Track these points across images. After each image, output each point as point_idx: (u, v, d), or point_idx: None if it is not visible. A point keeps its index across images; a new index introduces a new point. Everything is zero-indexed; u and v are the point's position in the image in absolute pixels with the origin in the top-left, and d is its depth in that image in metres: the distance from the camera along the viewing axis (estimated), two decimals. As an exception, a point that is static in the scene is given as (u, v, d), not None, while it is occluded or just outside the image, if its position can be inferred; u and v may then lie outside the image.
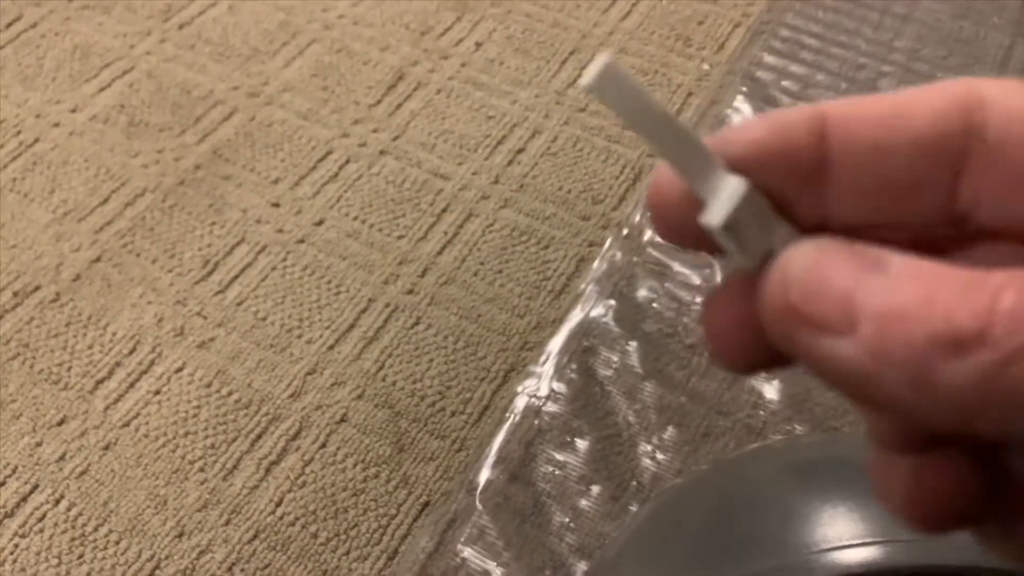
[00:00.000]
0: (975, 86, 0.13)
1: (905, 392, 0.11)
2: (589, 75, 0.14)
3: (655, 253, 0.67)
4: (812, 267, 0.12)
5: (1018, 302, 0.10)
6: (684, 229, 0.15)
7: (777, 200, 0.14)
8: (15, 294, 0.75)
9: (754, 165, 0.14)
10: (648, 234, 0.68)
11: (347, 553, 0.60)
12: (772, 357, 0.14)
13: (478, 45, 0.94)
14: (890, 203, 0.14)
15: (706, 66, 0.91)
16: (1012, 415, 0.10)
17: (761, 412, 0.58)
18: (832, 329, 0.11)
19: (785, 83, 0.81)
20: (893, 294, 0.11)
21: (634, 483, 0.56)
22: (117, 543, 0.62)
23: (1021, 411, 0.10)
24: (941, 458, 0.14)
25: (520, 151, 0.84)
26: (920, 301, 0.11)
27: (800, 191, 0.14)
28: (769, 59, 0.83)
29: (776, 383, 0.59)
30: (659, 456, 0.57)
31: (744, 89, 0.81)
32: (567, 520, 0.56)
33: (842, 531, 0.27)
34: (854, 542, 0.26)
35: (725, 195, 0.13)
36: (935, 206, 0.13)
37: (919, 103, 0.13)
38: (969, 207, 0.13)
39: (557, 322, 0.68)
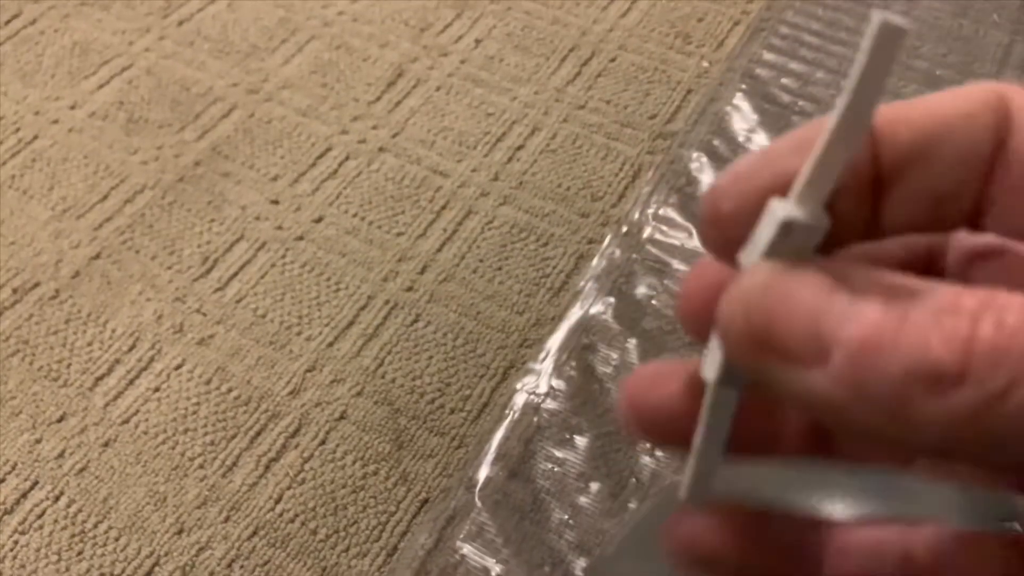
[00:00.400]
0: (1005, 94, 0.13)
1: (883, 425, 0.10)
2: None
3: (654, 250, 0.67)
4: (773, 286, 0.11)
5: (998, 334, 0.09)
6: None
7: (838, 213, 0.13)
8: (14, 291, 0.75)
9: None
10: (647, 231, 0.68)
11: (346, 550, 0.60)
12: None
13: (478, 42, 0.94)
14: (928, 211, 0.13)
15: (705, 63, 0.91)
16: (997, 452, 0.10)
17: (760, 409, 0.58)
18: (801, 360, 0.10)
19: (785, 81, 0.81)
20: (864, 318, 0.10)
21: (633, 480, 0.56)
22: (117, 540, 0.62)
23: (1006, 448, 0.10)
24: None
25: (519, 148, 0.84)
26: (893, 326, 0.10)
27: (858, 201, 0.13)
28: (769, 56, 0.83)
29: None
30: (658, 453, 0.57)
31: (743, 87, 0.81)
32: (566, 517, 0.56)
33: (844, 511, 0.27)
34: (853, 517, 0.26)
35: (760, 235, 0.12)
36: (964, 212, 0.13)
37: (958, 113, 0.13)
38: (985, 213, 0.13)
39: (556, 319, 0.68)
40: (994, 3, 0.82)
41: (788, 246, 0.12)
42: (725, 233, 0.13)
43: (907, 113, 0.13)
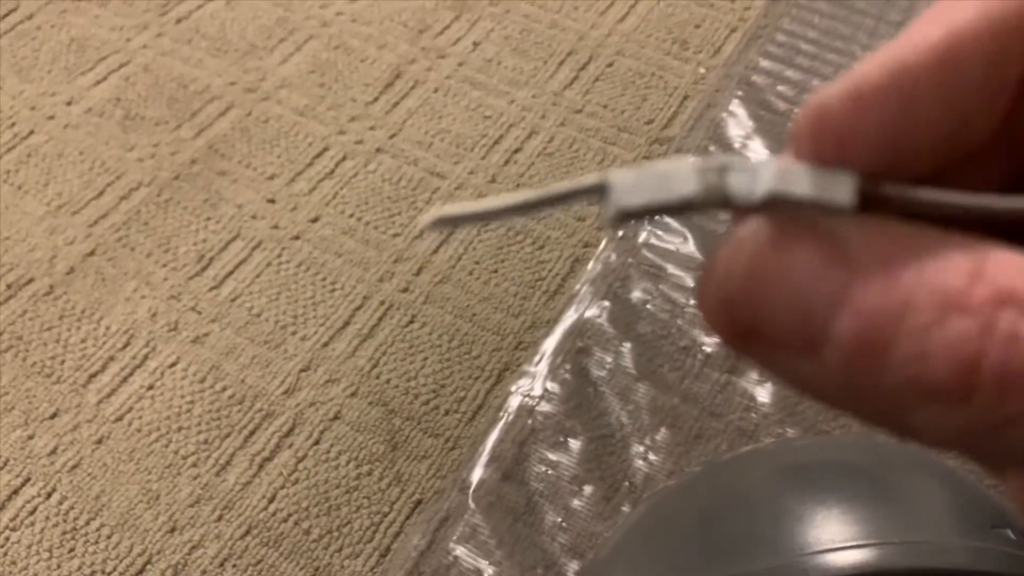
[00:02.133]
0: None
1: (881, 423, 0.09)
2: (424, 223, 0.11)
3: (650, 255, 0.67)
4: (756, 269, 0.10)
5: (1010, 352, 0.08)
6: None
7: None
8: (8, 286, 0.75)
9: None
10: (643, 236, 0.69)
11: (339, 550, 0.60)
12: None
13: (476, 45, 0.94)
14: None
15: (702, 70, 0.91)
16: (998, 463, 0.09)
17: (753, 415, 0.58)
18: (789, 347, 0.09)
19: (781, 88, 0.82)
20: (860, 309, 0.09)
21: (626, 484, 0.56)
22: (109, 537, 0.62)
23: (1008, 464, 0.09)
24: None
25: (517, 151, 0.85)
26: (891, 322, 0.09)
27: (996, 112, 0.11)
28: (765, 64, 0.84)
29: (768, 386, 0.60)
30: (651, 457, 0.58)
31: (740, 93, 0.81)
32: (559, 520, 0.57)
33: (835, 533, 0.27)
34: (847, 544, 0.26)
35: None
36: None
37: None
38: None
39: (551, 322, 0.68)
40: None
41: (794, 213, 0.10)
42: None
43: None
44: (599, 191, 0.10)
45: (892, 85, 0.10)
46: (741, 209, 0.10)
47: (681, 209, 0.10)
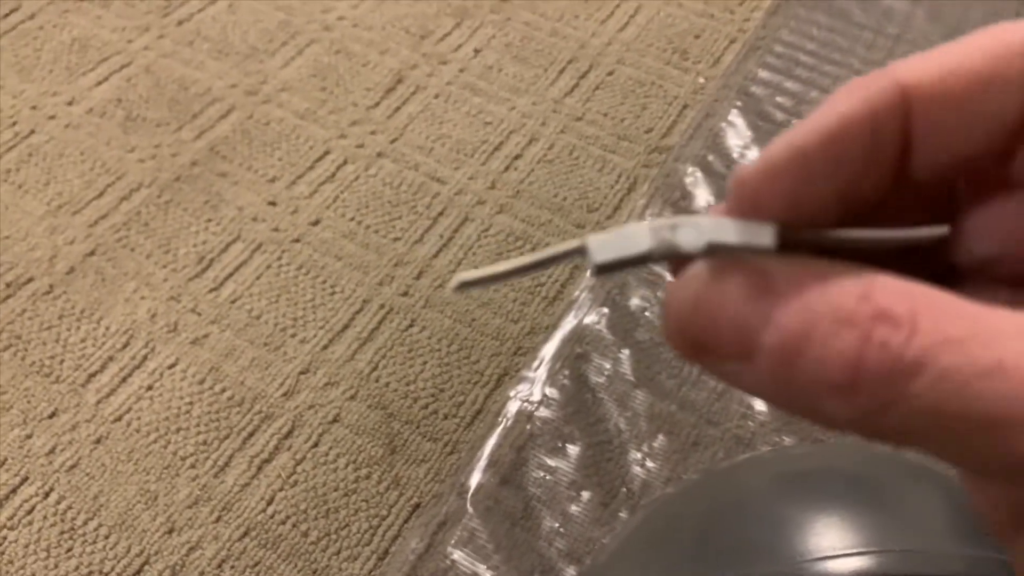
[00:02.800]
0: None
1: (802, 413, 0.12)
2: (451, 286, 0.14)
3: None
4: (701, 299, 0.12)
5: (881, 356, 0.11)
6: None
7: (858, 173, 0.13)
8: (8, 285, 0.75)
9: (841, 140, 0.13)
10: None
11: (337, 553, 0.60)
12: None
13: (477, 51, 0.95)
14: (957, 165, 0.14)
15: (701, 80, 0.92)
16: (889, 443, 0.11)
17: (750, 423, 0.59)
18: (731, 358, 0.12)
19: (779, 99, 0.82)
20: (779, 326, 0.11)
21: (624, 490, 0.57)
22: (106, 537, 0.62)
23: (908, 444, 0.11)
24: None
25: (517, 157, 0.85)
26: (802, 337, 0.11)
27: (887, 162, 0.13)
28: (764, 75, 0.85)
29: (765, 394, 0.60)
30: (649, 464, 0.58)
31: (739, 103, 0.82)
32: (557, 525, 0.57)
33: (834, 540, 0.27)
34: (846, 551, 0.27)
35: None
36: (992, 159, 0.14)
37: (996, 75, 0.13)
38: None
39: (550, 328, 0.69)
40: (986, 26, 0.83)
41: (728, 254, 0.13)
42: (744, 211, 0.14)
43: (934, 74, 0.13)
44: (581, 251, 0.13)
45: (790, 162, 0.13)
46: (689, 256, 0.13)
47: (643, 261, 0.13)
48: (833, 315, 0.11)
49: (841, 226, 0.13)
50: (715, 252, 0.13)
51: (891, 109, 0.13)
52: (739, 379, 0.12)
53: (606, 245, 0.13)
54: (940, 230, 0.14)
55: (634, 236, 0.13)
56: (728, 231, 0.13)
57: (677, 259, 0.13)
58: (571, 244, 0.14)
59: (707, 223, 0.13)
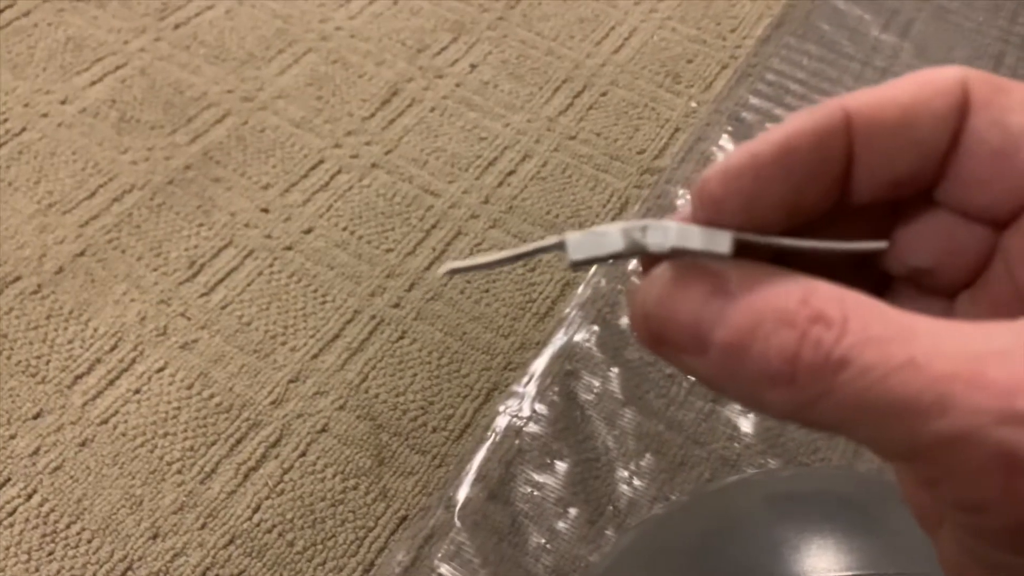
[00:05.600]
0: (966, 80, 0.15)
1: (746, 402, 0.13)
2: (440, 272, 0.16)
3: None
4: (664, 297, 0.14)
5: (815, 354, 0.12)
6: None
7: (810, 186, 0.15)
8: (-5, 284, 0.75)
9: (787, 156, 0.15)
10: (632, 263, 0.70)
11: (323, 563, 0.60)
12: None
13: (473, 67, 0.96)
14: (891, 189, 0.16)
15: (693, 104, 0.94)
16: (822, 430, 0.13)
17: (736, 444, 0.60)
18: (687, 351, 0.13)
19: (769, 126, 0.84)
20: (730, 324, 0.13)
21: (611, 508, 0.57)
22: (89, 542, 0.61)
23: (837, 431, 0.13)
24: None
25: (510, 173, 0.86)
26: (748, 333, 0.13)
27: (829, 184, 0.15)
28: (755, 101, 0.86)
29: (751, 417, 0.61)
30: (636, 482, 0.59)
31: (730, 128, 0.83)
32: (544, 541, 0.58)
33: (828, 563, 0.28)
34: (840, 573, 0.28)
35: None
36: (923, 186, 0.16)
37: (921, 104, 0.15)
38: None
39: (541, 344, 0.69)
40: (971, 66, 0.85)
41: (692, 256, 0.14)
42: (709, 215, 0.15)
43: (872, 103, 0.15)
44: (560, 247, 0.15)
45: (747, 168, 0.14)
46: (655, 256, 0.14)
47: (614, 258, 0.15)
48: (776, 316, 0.13)
49: (790, 235, 0.15)
50: (678, 255, 0.14)
51: (835, 129, 0.14)
52: (694, 370, 0.14)
53: (582, 243, 0.15)
54: (879, 244, 0.16)
55: (608, 236, 0.14)
56: (692, 236, 0.14)
57: (645, 256, 0.15)
58: (551, 240, 0.15)
59: (674, 228, 0.14)
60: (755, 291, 0.13)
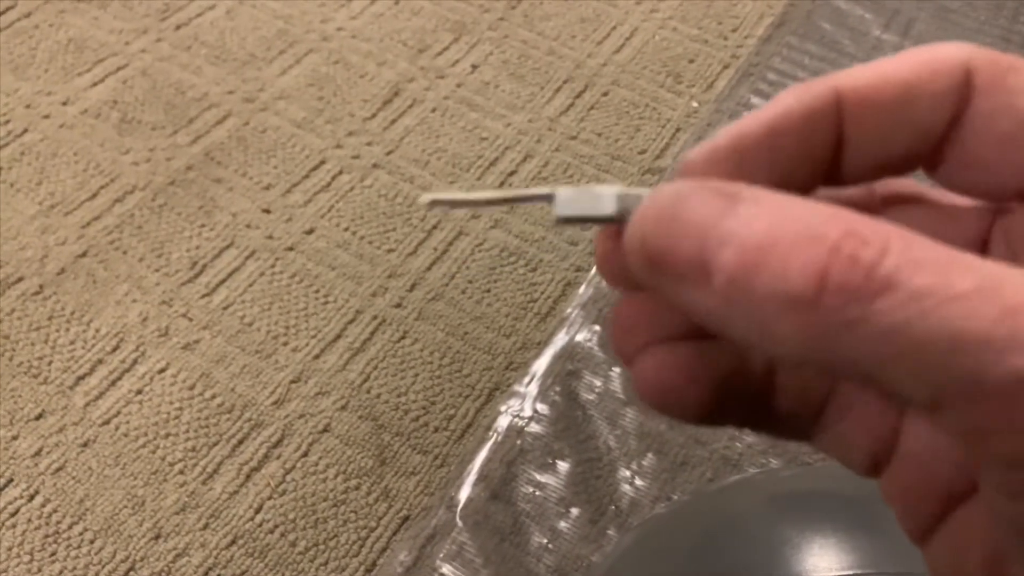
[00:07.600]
0: (970, 59, 0.14)
1: (754, 337, 0.11)
2: (422, 201, 0.15)
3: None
4: (666, 213, 0.12)
5: (851, 271, 0.10)
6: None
7: (797, 166, 0.14)
8: (-3, 285, 0.75)
9: (777, 136, 0.14)
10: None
11: (325, 564, 0.60)
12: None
13: (474, 67, 0.96)
14: (886, 166, 0.15)
15: (695, 104, 0.94)
16: (845, 372, 0.11)
17: (737, 444, 0.60)
18: (689, 280, 0.12)
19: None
20: (741, 241, 0.11)
21: (612, 508, 0.57)
22: (92, 542, 0.61)
23: (851, 370, 0.11)
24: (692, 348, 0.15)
25: (512, 174, 0.86)
26: (762, 251, 0.11)
27: (821, 155, 0.15)
28: (756, 101, 0.86)
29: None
30: (638, 482, 0.59)
31: (732, 129, 0.83)
32: (545, 541, 0.58)
33: (830, 562, 0.28)
34: (842, 572, 0.28)
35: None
36: (921, 163, 0.15)
37: (924, 87, 0.14)
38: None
39: (542, 344, 0.69)
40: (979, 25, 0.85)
41: None
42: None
43: (867, 82, 0.14)
44: (548, 199, 0.14)
45: (733, 146, 0.14)
46: None
47: (602, 222, 0.14)
48: (800, 231, 0.11)
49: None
50: None
51: (825, 109, 0.14)
52: (691, 301, 0.12)
53: (573, 201, 0.14)
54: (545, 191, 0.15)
55: (601, 199, 0.14)
56: None
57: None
58: (541, 190, 0.14)
59: None
60: (774, 206, 0.11)
